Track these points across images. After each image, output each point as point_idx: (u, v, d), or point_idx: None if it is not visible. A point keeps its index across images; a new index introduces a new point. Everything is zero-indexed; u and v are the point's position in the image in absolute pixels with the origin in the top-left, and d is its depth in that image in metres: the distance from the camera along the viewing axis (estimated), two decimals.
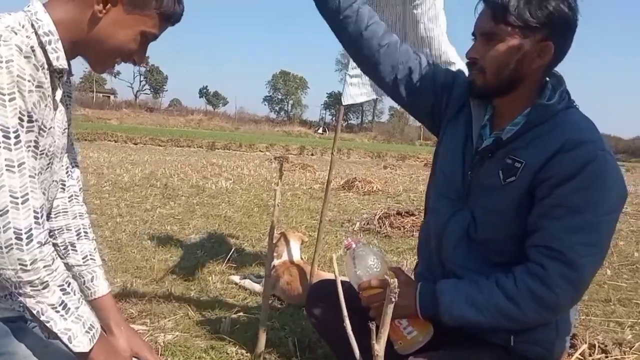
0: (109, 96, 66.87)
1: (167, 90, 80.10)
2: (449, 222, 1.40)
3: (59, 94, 1.11)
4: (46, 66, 1.02)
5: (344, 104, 2.86)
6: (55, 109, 1.12)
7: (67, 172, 1.36)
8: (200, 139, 20.25)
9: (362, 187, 8.39)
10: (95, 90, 64.63)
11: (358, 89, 2.85)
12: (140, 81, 76.00)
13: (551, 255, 1.17)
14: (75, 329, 1.04)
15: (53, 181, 1.20)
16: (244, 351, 2.22)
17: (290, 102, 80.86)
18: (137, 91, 75.48)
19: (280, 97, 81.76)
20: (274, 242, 3.04)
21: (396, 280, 0.90)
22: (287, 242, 3.12)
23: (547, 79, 1.33)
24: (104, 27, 1.08)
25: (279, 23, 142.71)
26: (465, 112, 1.43)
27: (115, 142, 17.73)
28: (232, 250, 3.82)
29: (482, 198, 1.33)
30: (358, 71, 2.80)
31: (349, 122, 77.15)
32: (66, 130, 1.22)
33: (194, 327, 2.51)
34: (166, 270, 3.37)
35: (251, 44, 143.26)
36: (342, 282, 1.48)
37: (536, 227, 1.23)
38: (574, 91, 1.31)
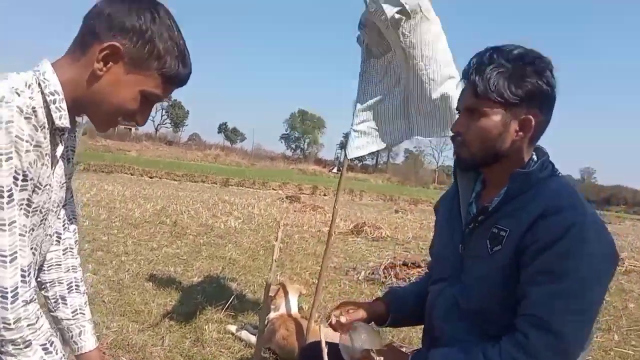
0: (130, 128, 68.35)
1: (187, 125, 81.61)
2: (438, 297, 1.42)
3: (59, 150, 1.13)
4: (47, 126, 1.04)
5: (349, 157, 2.89)
6: (55, 164, 1.15)
7: (64, 225, 1.38)
8: (215, 174, 20.43)
9: (370, 233, 8.34)
10: (136, 123, 66.01)
11: (364, 140, 2.89)
12: (162, 115, 77.71)
13: (534, 323, 1.16)
14: None
15: (47, 235, 1.21)
16: None
17: (307, 140, 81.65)
18: (158, 124, 77.06)
19: (297, 135, 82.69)
20: (271, 294, 3.03)
21: (382, 358, 0.90)
22: (286, 294, 3.09)
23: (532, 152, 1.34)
24: (103, 86, 1.08)
25: (300, 62, 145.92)
26: (454, 189, 1.46)
27: (132, 175, 17.97)
28: (233, 296, 3.80)
29: (472, 268, 1.34)
30: (363, 125, 2.84)
31: (364, 162, 77.45)
32: (65, 184, 1.25)
33: None
34: (163, 315, 3.35)
35: (271, 82, 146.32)
36: (333, 346, 1.47)
37: (522, 295, 1.22)
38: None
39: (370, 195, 21.14)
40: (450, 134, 1.42)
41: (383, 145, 2.92)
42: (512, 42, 1.31)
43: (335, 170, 57.88)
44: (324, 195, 20.03)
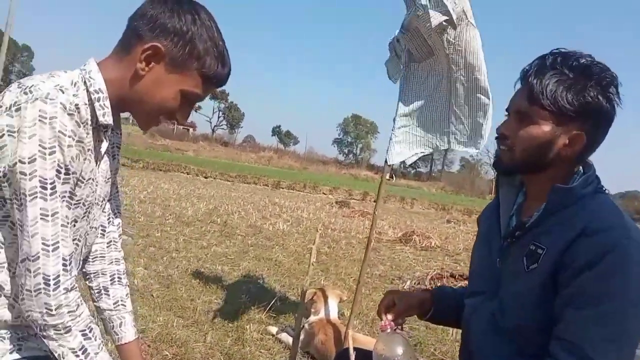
0: (189, 129, 70.76)
1: (242, 127, 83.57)
2: (474, 313, 1.38)
3: (104, 146, 1.19)
4: (89, 122, 1.09)
5: (389, 163, 2.86)
6: (99, 160, 1.20)
7: (108, 219, 1.44)
8: (267, 177, 20.76)
9: (419, 242, 8.19)
10: (176, 122, 68.61)
11: (404, 145, 2.86)
12: (219, 117, 79.95)
13: (567, 349, 1.10)
14: None
15: (91, 227, 1.27)
16: None
17: (360, 145, 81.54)
18: (215, 126, 79.36)
19: (349, 140, 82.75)
20: (311, 298, 3.04)
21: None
22: (325, 299, 3.09)
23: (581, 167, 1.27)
24: (145, 85, 1.13)
25: (354, 67, 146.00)
26: (496, 200, 1.41)
27: (188, 174, 18.55)
28: (275, 298, 3.84)
29: (509, 285, 1.29)
30: (402, 130, 2.81)
31: (417, 169, 76.43)
32: (110, 179, 1.30)
33: None
34: (208, 312, 3.44)
35: (325, 86, 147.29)
36: (365, 352, 1.46)
37: (558, 317, 1.16)
38: None
39: (422, 204, 20.78)
40: (485, 143, 1.37)
41: (423, 152, 2.87)
42: (579, 50, 1.22)
43: (387, 176, 57.37)
44: (375, 201, 19.87)
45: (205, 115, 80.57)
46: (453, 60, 2.64)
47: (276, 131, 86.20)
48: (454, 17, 2.48)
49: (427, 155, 3.10)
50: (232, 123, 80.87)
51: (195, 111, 79.32)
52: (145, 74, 1.12)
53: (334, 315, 3.07)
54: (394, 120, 2.86)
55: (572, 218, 1.16)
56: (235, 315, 3.47)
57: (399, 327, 1.45)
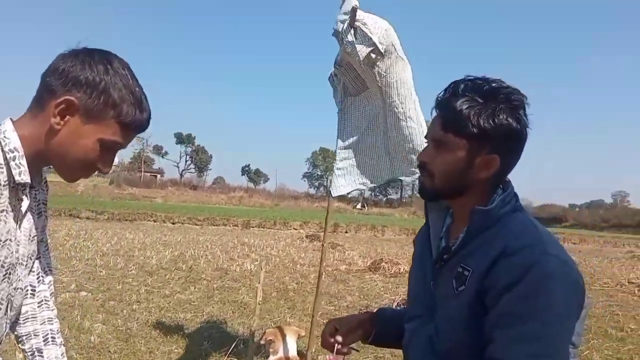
0: (156, 175, 69.93)
1: (211, 169, 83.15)
2: (412, 337, 1.39)
3: (25, 204, 1.17)
4: (4, 182, 1.08)
5: (333, 195, 2.91)
6: (20, 219, 1.18)
7: (38, 278, 1.41)
8: (236, 217, 20.60)
9: (388, 269, 8.23)
10: (143, 170, 67.90)
11: (344, 179, 2.92)
12: (186, 160, 79.42)
13: None
14: None
15: (16, 289, 1.24)
16: None
17: (330, 177, 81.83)
18: (183, 170, 78.70)
19: (319, 173, 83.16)
20: (270, 337, 3.02)
21: None
22: (284, 337, 3.06)
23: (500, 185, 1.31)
24: (62, 139, 1.12)
25: (317, 100, 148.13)
26: (427, 226, 1.44)
27: (155, 221, 18.26)
28: (237, 340, 3.79)
29: (442, 308, 1.31)
30: (343, 163, 2.88)
31: (388, 197, 77.12)
32: (35, 238, 1.28)
33: None
34: None
35: (291, 122, 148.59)
36: None
37: (487, 337, 1.18)
38: None
39: (392, 230, 20.91)
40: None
41: (366, 183, 2.94)
42: (488, 74, 1.27)
43: (359, 206, 57.69)
44: (346, 232, 19.92)
45: (172, 160, 79.99)
46: (386, 93, 2.73)
47: (245, 170, 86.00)
48: (381, 48, 2.59)
49: (372, 186, 3.16)
50: (200, 166, 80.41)
51: (162, 157, 78.87)
52: (61, 128, 1.12)
53: (292, 353, 3.04)
54: (335, 152, 2.93)
55: (493, 239, 1.20)
56: None
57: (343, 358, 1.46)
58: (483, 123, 1.21)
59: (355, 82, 2.83)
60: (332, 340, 1.45)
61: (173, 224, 18.05)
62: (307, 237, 14.66)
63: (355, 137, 2.91)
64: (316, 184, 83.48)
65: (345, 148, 2.91)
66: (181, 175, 76.37)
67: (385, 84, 2.71)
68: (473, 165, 1.25)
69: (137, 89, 1.16)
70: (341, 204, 54.19)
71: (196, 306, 5.19)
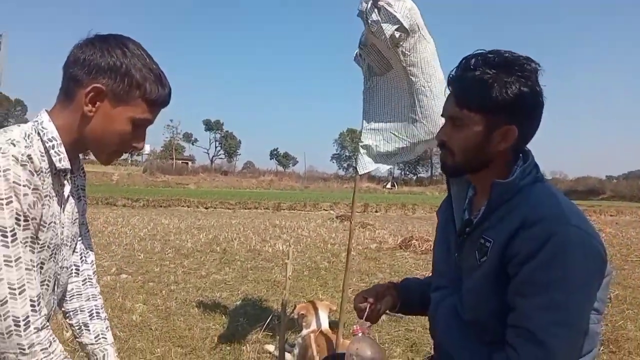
0: (187, 162, 71.19)
1: (240, 154, 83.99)
2: (438, 306, 1.44)
3: (67, 189, 1.27)
4: (45, 170, 1.17)
5: (359, 174, 2.96)
6: (64, 203, 1.28)
7: (81, 258, 1.52)
8: (267, 200, 20.86)
9: (419, 246, 8.23)
10: (174, 157, 69.16)
11: (372, 156, 2.96)
12: (216, 147, 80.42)
13: (522, 336, 1.16)
14: None
15: (62, 267, 1.34)
16: None
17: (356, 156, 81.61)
18: (213, 156, 79.80)
19: (347, 154, 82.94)
20: (302, 312, 3.12)
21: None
22: (316, 312, 3.16)
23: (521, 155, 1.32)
24: (96, 124, 1.21)
25: (343, 81, 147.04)
26: (448, 198, 1.48)
27: (188, 207, 18.67)
28: (272, 317, 3.91)
29: (466, 279, 1.34)
30: (369, 141, 2.92)
31: (419, 175, 76.46)
32: (77, 220, 1.37)
33: None
34: (205, 338, 3.50)
35: (318, 104, 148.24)
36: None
37: (511, 306, 1.21)
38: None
39: (423, 208, 20.81)
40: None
41: (391, 162, 2.97)
42: (501, 47, 1.28)
43: (389, 185, 57.41)
44: (376, 212, 19.94)
45: (202, 147, 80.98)
46: (411, 72, 2.74)
47: (274, 154, 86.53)
48: (406, 25, 2.59)
49: (404, 160, 3.19)
50: (230, 151, 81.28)
51: (192, 144, 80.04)
52: (94, 114, 1.20)
53: (325, 326, 3.13)
54: (360, 132, 2.97)
55: (514, 210, 1.22)
56: (232, 338, 3.54)
57: (368, 330, 1.52)
58: (496, 96, 1.22)
59: (380, 62, 2.85)
60: (356, 323, 1.51)
61: (206, 208, 18.42)
62: (337, 217, 14.75)
63: (380, 116, 2.94)
64: (345, 165, 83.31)
65: (370, 127, 2.95)
66: (211, 161, 77.48)
67: (410, 63, 2.72)
68: (491, 139, 1.26)
69: (154, 66, 1.24)
70: (371, 184, 54.04)
71: (231, 285, 5.35)
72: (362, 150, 2.89)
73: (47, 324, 1.17)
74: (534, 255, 1.15)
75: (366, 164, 2.91)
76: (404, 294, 1.63)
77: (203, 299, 4.66)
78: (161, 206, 18.42)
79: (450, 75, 1.32)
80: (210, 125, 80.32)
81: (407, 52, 2.68)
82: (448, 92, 1.36)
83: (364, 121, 2.93)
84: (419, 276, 5.96)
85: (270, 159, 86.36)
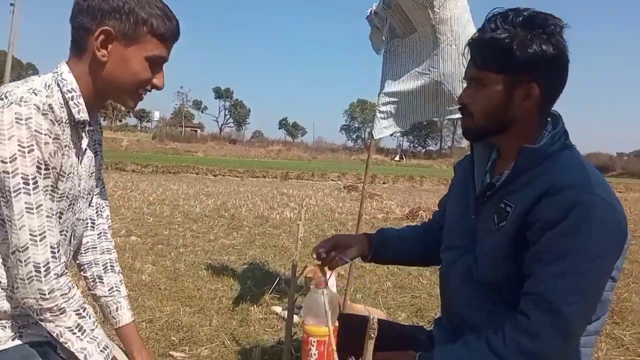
0: (196, 130, 71.24)
1: (249, 123, 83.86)
2: (452, 265, 1.43)
3: (84, 142, 1.27)
4: (65, 120, 1.17)
5: (375, 137, 2.94)
6: (81, 155, 1.29)
7: (97, 212, 1.53)
8: (275, 169, 20.91)
9: (426, 217, 8.25)
10: (184, 125, 69.22)
11: (390, 120, 2.93)
12: (225, 115, 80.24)
13: (536, 302, 1.15)
14: (91, 348, 1.18)
15: (78, 219, 1.36)
16: None
17: (368, 130, 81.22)
18: (222, 124, 79.75)
19: (357, 125, 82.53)
20: (310, 275, 3.14)
21: (376, 316, 0.97)
22: (323, 274, 3.18)
23: (549, 119, 1.30)
24: (112, 68, 1.21)
25: (354, 52, 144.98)
26: (470, 159, 1.45)
27: (197, 174, 18.77)
28: (279, 279, 3.96)
29: (483, 241, 1.33)
30: (388, 106, 2.88)
31: (427, 148, 76.12)
32: (93, 174, 1.38)
33: (227, 356, 2.65)
34: (213, 299, 3.56)
35: (328, 74, 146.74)
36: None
37: (528, 272, 1.20)
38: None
39: (431, 181, 20.79)
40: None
41: (409, 125, 2.94)
42: (523, 5, 1.24)
43: (397, 157, 57.27)
44: (384, 183, 19.95)
45: (211, 115, 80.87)
46: (439, 30, 2.68)
47: (283, 124, 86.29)
48: None
49: (402, 130, 3.15)
50: (239, 120, 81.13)
51: (202, 112, 79.93)
52: (108, 59, 1.19)
53: (332, 288, 3.17)
54: (379, 95, 2.93)
55: (539, 177, 1.20)
56: (240, 299, 3.59)
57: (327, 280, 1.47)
58: (516, 54, 1.19)
59: (404, 23, 2.79)
60: (323, 252, 1.51)
61: (214, 176, 18.52)
62: (344, 187, 14.77)
63: (402, 79, 2.88)
64: (354, 136, 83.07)
65: (391, 90, 2.90)
66: (220, 129, 77.50)
67: (439, 20, 2.65)
68: (513, 98, 1.23)
69: (157, 1, 1.22)
70: (379, 156, 53.91)
71: (239, 250, 5.41)
72: (379, 115, 2.86)
73: (66, 270, 1.19)
74: (557, 223, 1.13)
75: (382, 129, 2.88)
76: (378, 244, 1.62)
77: (211, 262, 4.72)
78: (170, 172, 18.54)
79: (471, 39, 1.29)
80: (220, 93, 80.00)
81: (437, 10, 2.61)
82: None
83: (382, 84, 2.89)
84: None
85: (279, 128, 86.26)
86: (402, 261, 1.76)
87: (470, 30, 2.67)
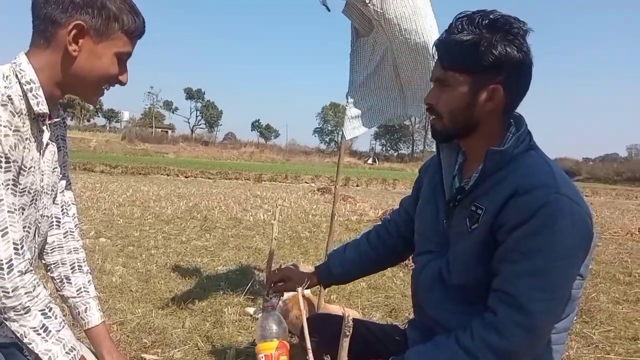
0: (167, 131, 70.16)
1: (221, 125, 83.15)
2: (423, 269, 1.45)
3: (46, 136, 1.23)
4: (25, 112, 1.13)
5: (346, 138, 2.94)
6: (43, 150, 1.24)
7: (62, 210, 1.47)
8: (248, 171, 20.77)
9: None
10: (154, 125, 68.11)
11: (359, 120, 2.94)
12: (197, 116, 79.31)
13: (503, 300, 1.17)
14: (56, 350, 1.13)
15: (42, 216, 1.31)
16: None
17: (340, 133, 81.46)
18: (194, 126, 78.78)
19: (330, 128, 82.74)
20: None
21: (351, 314, 0.97)
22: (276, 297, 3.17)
23: (512, 120, 1.32)
24: (81, 63, 1.17)
25: (327, 55, 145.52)
26: (437, 161, 1.46)
27: (168, 175, 18.49)
28: (253, 281, 3.93)
29: (455, 245, 1.35)
30: (358, 105, 2.90)
31: (400, 152, 76.92)
32: (56, 170, 1.33)
33: (201, 358, 2.62)
34: (186, 301, 3.50)
35: (301, 76, 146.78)
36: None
37: (496, 271, 1.23)
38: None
39: (404, 184, 20.98)
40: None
41: (378, 123, 2.95)
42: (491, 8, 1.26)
43: (370, 161, 57.65)
44: (357, 185, 20.05)
45: (182, 115, 79.83)
46: (387, 30, 2.65)
47: (256, 125, 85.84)
48: None
49: (381, 125, 3.16)
50: (211, 121, 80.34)
51: (173, 112, 78.80)
52: (78, 53, 1.16)
53: (306, 290, 3.16)
54: (347, 96, 2.93)
55: (506, 178, 1.22)
56: (213, 301, 3.55)
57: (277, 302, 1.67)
58: (481, 55, 1.21)
59: (362, 22, 2.79)
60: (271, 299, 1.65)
61: (186, 177, 18.28)
62: (318, 190, 14.78)
63: (365, 79, 2.89)
64: (327, 139, 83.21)
65: (357, 90, 2.91)
66: (192, 130, 76.58)
67: (384, 20, 2.60)
68: (477, 99, 1.25)
69: None
70: (352, 159, 54.18)
71: (212, 252, 5.34)
72: (348, 114, 2.87)
73: (31, 268, 1.15)
74: (524, 223, 1.16)
75: (353, 129, 2.89)
76: (325, 279, 1.75)
77: (184, 264, 4.65)
78: (140, 173, 18.20)
79: (437, 40, 1.31)
80: (191, 94, 79.06)
81: (378, 10, 2.55)
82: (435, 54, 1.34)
83: (350, 84, 2.90)
84: None
85: (252, 130, 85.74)
86: (361, 277, 1.85)
87: (429, 27, 2.64)
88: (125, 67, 1.26)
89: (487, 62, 1.21)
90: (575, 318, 1.46)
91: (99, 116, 73.46)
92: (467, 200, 1.29)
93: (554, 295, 1.16)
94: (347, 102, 2.89)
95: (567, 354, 2.86)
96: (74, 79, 1.19)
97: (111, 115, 74.04)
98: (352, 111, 2.87)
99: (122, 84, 1.27)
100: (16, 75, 1.13)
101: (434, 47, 1.32)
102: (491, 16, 1.23)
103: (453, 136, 1.35)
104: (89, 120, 69.28)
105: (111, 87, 1.28)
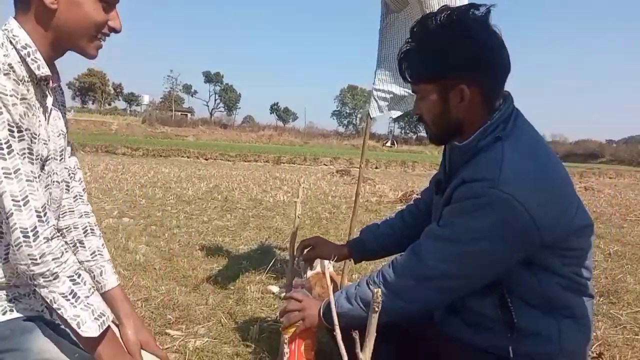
0: (187, 114, 70.65)
1: (240, 108, 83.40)
2: None
3: (49, 100, 1.21)
4: (27, 78, 1.10)
5: (371, 116, 2.89)
6: (49, 114, 1.22)
7: (69, 175, 1.45)
8: (267, 153, 20.81)
9: None
10: (174, 109, 68.60)
11: (386, 100, 2.88)
12: (215, 100, 79.60)
13: (413, 247, 1.33)
14: (84, 315, 1.12)
15: (53, 181, 1.29)
16: (267, 359, 2.29)
17: (359, 115, 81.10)
18: (212, 109, 79.14)
19: (348, 111, 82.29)
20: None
21: (379, 290, 0.98)
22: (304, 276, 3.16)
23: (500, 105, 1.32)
24: (64, 16, 1.12)
25: (346, 38, 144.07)
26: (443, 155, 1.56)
27: (188, 157, 18.64)
28: (275, 260, 3.93)
29: None
30: (384, 84, 2.83)
31: (419, 134, 76.09)
32: (62, 134, 1.31)
33: (224, 334, 2.62)
34: (209, 278, 3.52)
35: (319, 59, 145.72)
36: None
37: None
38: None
39: (423, 166, 20.85)
40: None
41: (405, 107, 2.89)
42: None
43: (388, 143, 57.25)
44: (376, 168, 19.96)
45: (201, 99, 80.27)
46: (426, 4, 2.60)
47: (274, 109, 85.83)
48: None
49: (399, 112, 3.07)
50: (229, 105, 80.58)
51: (192, 96, 79.26)
52: (57, 5, 1.12)
53: (330, 269, 3.14)
54: (375, 73, 2.87)
55: (464, 170, 1.28)
56: (236, 279, 3.56)
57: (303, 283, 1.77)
58: (438, 64, 1.24)
59: None
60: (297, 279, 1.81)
61: (206, 159, 18.41)
62: (337, 172, 14.75)
63: (394, 57, 2.82)
64: (345, 122, 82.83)
65: (385, 68, 2.84)
66: (211, 114, 76.99)
67: None
68: (450, 104, 1.28)
69: None
70: (371, 141, 53.73)
71: (233, 231, 5.37)
72: (375, 94, 2.81)
73: (57, 234, 1.14)
74: (456, 202, 1.26)
75: (379, 108, 2.83)
76: (357, 254, 1.85)
77: (206, 243, 4.68)
78: (161, 156, 18.39)
79: (399, 56, 1.34)
80: (210, 77, 79.26)
81: None
82: None
83: (378, 62, 2.83)
84: None
85: (271, 113, 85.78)
86: (395, 252, 1.88)
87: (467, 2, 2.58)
88: (115, 12, 1.20)
89: (444, 68, 1.24)
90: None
91: (119, 99, 74.22)
92: (447, 193, 1.36)
93: (454, 266, 1.24)
94: (374, 80, 2.82)
95: (595, 334, 2.80)
96: (62, 34, 1.15)
97: (131, 99, 74.70)
98: (379, 89, 2.81)
99: (116, 30, 1.22)
100: (10, 42, 1.10)
101: (398, 64, 1.37)
102: (442, 19, 1.25)
103: (446, 139, 1.41)
104: (109, 104, 70.07)
105: (107, 37, 1.22)
